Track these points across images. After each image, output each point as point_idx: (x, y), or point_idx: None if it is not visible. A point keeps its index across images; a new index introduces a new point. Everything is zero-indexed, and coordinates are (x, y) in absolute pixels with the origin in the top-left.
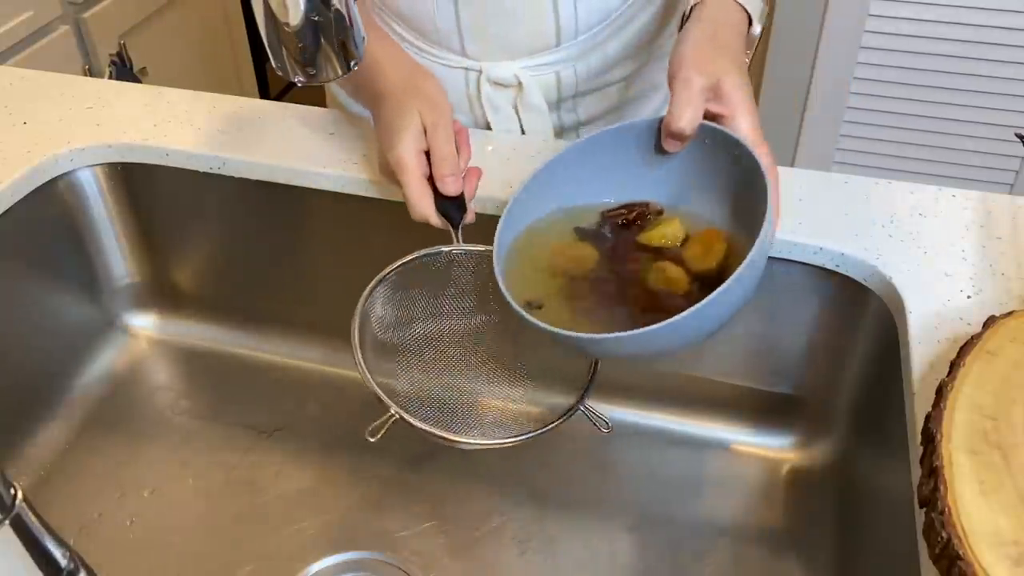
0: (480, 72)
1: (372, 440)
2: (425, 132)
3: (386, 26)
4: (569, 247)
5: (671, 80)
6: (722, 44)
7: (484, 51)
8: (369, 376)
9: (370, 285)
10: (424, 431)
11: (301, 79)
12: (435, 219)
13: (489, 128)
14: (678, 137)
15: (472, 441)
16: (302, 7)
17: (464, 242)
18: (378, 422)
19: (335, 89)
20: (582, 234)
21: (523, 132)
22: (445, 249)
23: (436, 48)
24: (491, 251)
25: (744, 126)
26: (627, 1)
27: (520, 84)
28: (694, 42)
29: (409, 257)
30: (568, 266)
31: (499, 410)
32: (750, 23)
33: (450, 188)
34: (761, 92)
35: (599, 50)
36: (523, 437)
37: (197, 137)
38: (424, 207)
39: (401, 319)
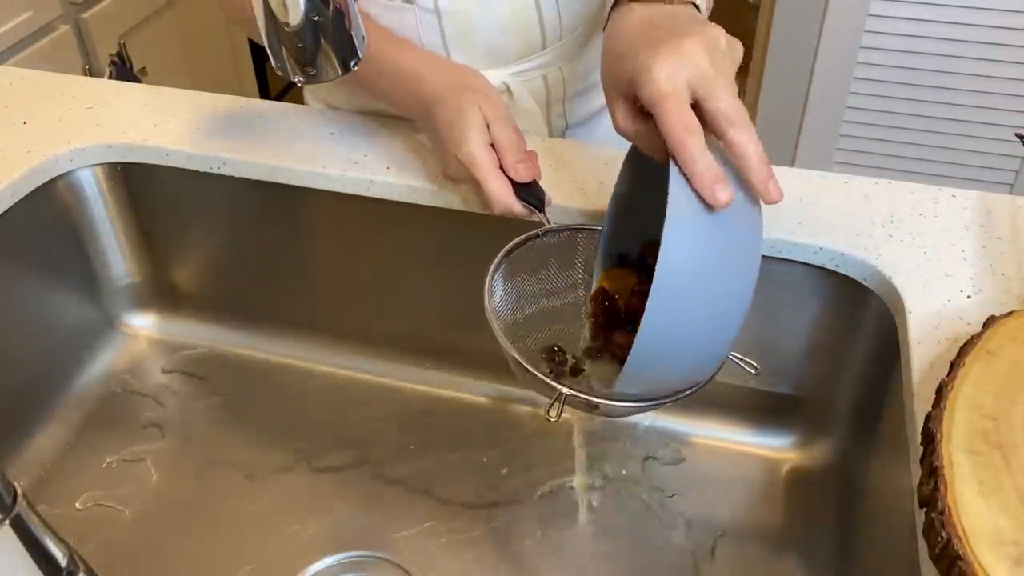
0: None
1: (552, 420)
2: (488, 126)
3: (377, 30)
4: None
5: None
6: (665, 27)
7: (470, 60)
8: (525, 364)
9: (488, 278)
10: (587, 399)
11: (301, 79)
12: (519, 207)
13: None
14: None
15: (632, 404)
16: (302, 7)
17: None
18: (550, 405)
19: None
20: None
21: None
22: (549, 228)
23: None
24: (585, 226)
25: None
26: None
27: (509, 91)
28: (637, 35)
29: (516, 241)
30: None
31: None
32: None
33: (523, 175)
34: (761, 92)
35: (584, 51)
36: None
37: (197, 137)
38: (507, 197)
39: (520, 301)
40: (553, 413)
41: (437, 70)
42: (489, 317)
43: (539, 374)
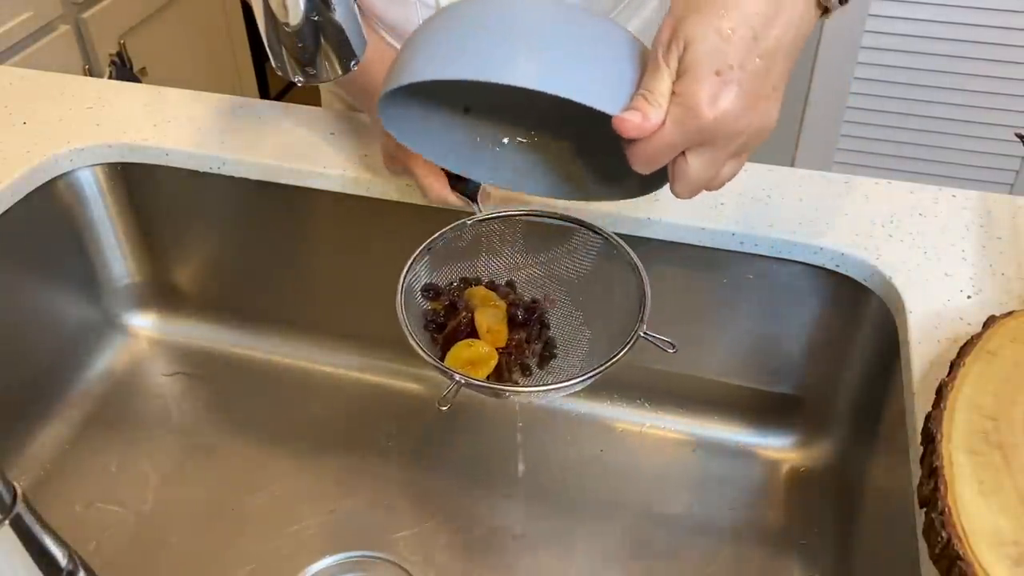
0: None
1: (444, 409)
2: None
3: (376, 35)
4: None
5: None
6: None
7: None
8: (423, 351)
9: (405, 267)
10: (487, 387)
11: (300, 79)
12: (452, 197)
13: None
14: None
15: (536, 388)
16: (302, 7)
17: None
18: (447, 392)
19: (334, 88)
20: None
21: None
22: (469, 222)
23: None
24: (517, 213)
25: (683, 107)
26: (617, 7)
27: None
28: None
29: (439, 233)
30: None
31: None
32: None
33: None
34: None
35: None
36: (587, 376)
37: (197, 137)
38: (438, 188)
39: (443, 290)
40: (447, 399)
41: (383, 61)
42: (398, 308)
43: (429, 357)
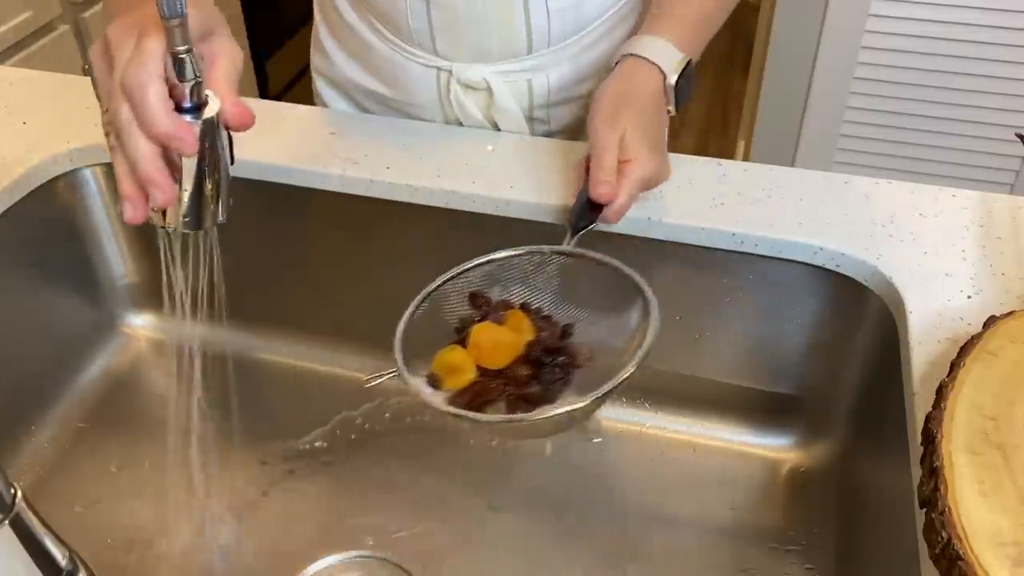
0: (451, 73)
1: (367, 386)
2: None
3: (363, 20)
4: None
5: (589, 126)
6: (630, 101)
7: (456, 52)
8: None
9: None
10: (444, 409)
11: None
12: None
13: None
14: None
15: (493, 418)
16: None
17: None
18: (380, 374)
19: (329, 102)
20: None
21: None
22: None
23: (410, 45)
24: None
25: (635, 174)
26: (603, 16)
27: (490, 88)
28: (608, 97)
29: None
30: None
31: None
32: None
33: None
34: (761, 92)
35: (573, 61)
36: (569, 408)
37: None
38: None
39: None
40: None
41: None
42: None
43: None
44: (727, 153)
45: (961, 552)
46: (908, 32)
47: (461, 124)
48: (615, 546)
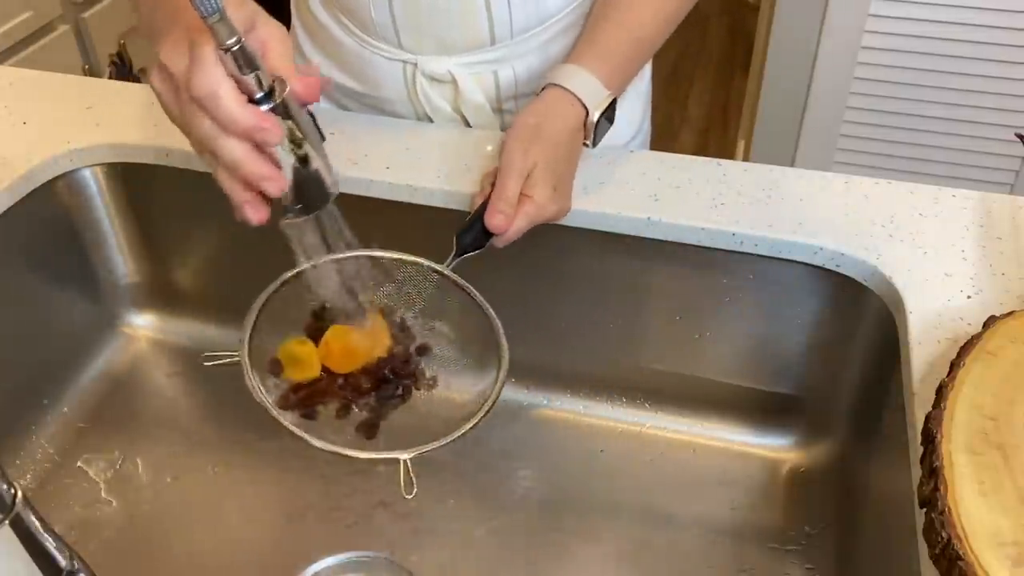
0: (416, 66)
1: (207, 364)
2: None
3: (333, 18)
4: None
5: (502, 148)
6: (545, 133)
7: (419, 45)
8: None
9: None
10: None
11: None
12: None
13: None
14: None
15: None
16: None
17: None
18: (222, 354)
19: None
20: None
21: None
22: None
23: (375, 39)
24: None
25: (531, 211)
26: (565, 8)
27: (455, 81)
28: (524, 126)
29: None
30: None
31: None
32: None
33: None
34: (761, 92)
35: (540, 52)
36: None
37: None
38: None
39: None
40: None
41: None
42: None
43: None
44: (727, 153)
45: (961, 552)
46: (908, 32)
47: (431, 119)
48: (615, 546)
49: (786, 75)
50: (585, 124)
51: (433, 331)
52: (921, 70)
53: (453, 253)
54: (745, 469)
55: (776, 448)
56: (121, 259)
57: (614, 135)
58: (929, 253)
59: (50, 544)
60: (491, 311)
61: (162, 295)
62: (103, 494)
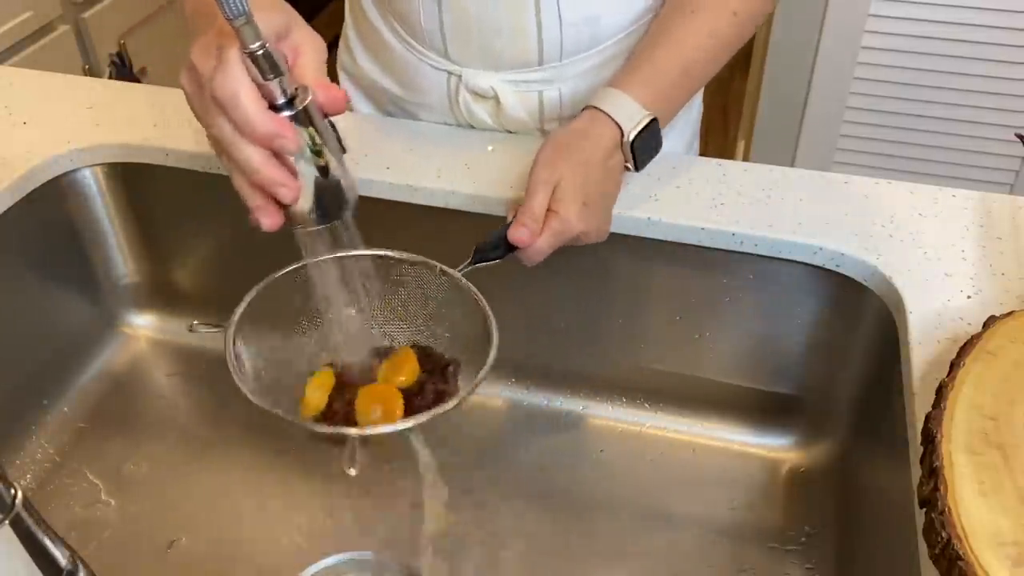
0: (460, 78)
1: (191, 331)
2: None
3: (384, 21)
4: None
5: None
6: (574, 151)
7: (466, 57)
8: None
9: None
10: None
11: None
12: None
13: None
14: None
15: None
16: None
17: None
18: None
19: (352, 100)
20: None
21: None
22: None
23: (423, 47)
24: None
25: (555, 226)
26: (617, 35)
27: (497, 98)
28: (554, 143)
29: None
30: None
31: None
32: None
33: None
34: (761, 92)
35: (587, 77)
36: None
37: (197, 137)
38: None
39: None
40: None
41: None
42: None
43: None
44: (727, 153)
45: (961, 552)
46: (908, 32)
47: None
48: (615, 545)
49: (786, 75)
50: (622, 146)
51: (439, 336)
52: (921, 70)
53: (469, 260)
54: (745, 469)
55: (776, 448)
56: (121, 259)
57: None
58: (929, 253)
59: (50, 544)
60: (489, 312)
61: (162, 295)
62: (103, 494)
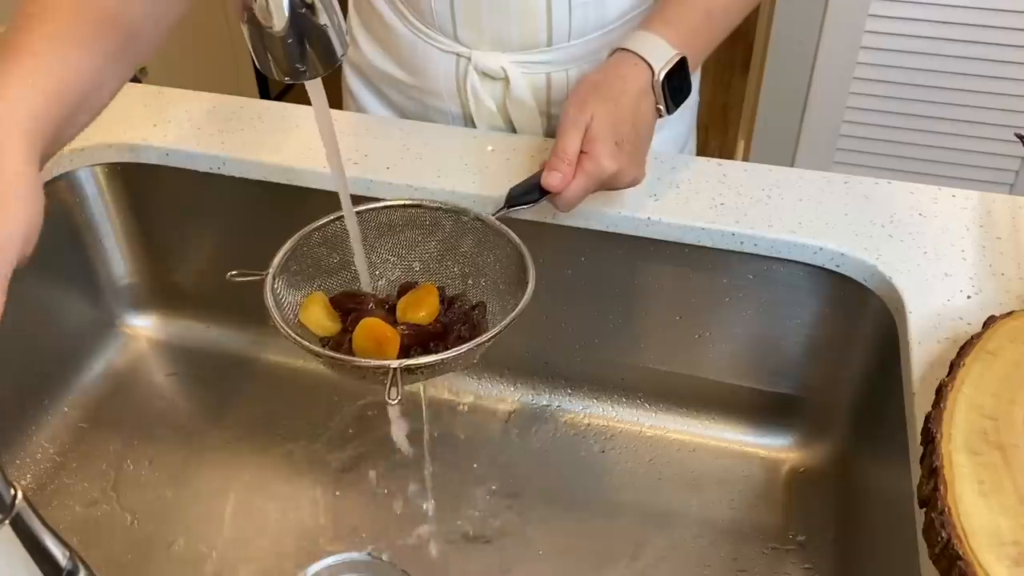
0: (469, 60)
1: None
2: None
3: (389, 5)
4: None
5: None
6: (604, 90)
7: (476, 39)
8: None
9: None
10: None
11: (288, 79)
12: None
13: (473, 123)
14: (562, 170)
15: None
16: (285, 11)
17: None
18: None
19: (354, 89)
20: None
21: (514, 131)
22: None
23: (431, 30)
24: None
25: (590, 168)
26: (626, 16)
27: (507, 78)
28: (584, 84)
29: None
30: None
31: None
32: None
33: None
34: (761, 92)
35: (594, 57)
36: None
37: (197, 137)
38: None
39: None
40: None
41: None
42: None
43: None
44: (727, 153)
45: (961, 552)
46: (908, 32)
47: (473, 118)
48: (615, 545)
49: (786, 75)
50: (653, 86)
51: (474, 285)
52: (921, 70)
53: (504, 204)
54: (745, 469)
55: (776, 448)
56: (121, 259)
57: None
58: (929, 253)
59: (50, 544)
60: (524, 248)
61: (162, 295)
62: (103, 494)
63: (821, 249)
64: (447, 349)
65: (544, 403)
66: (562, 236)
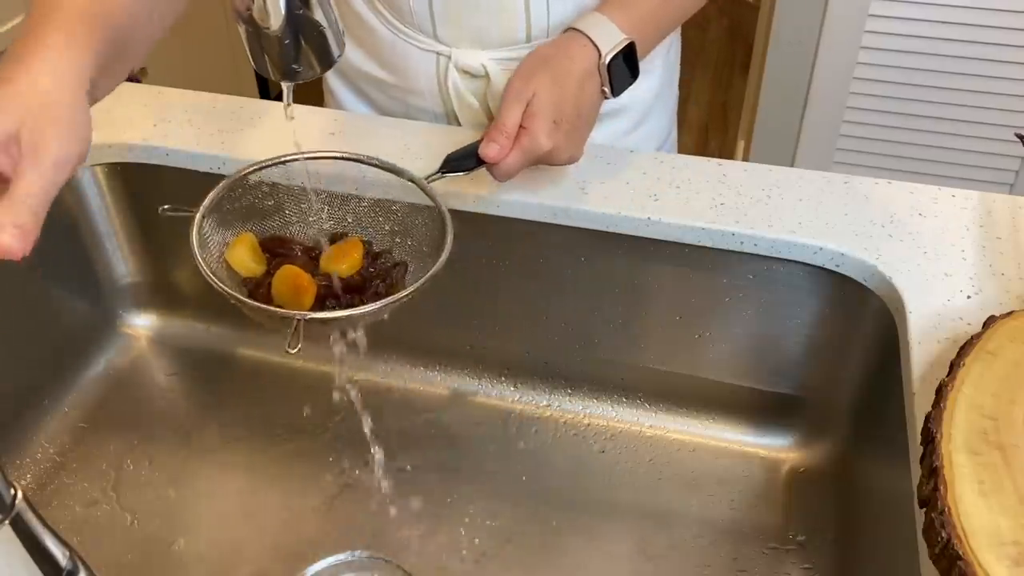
0: (449, 58)
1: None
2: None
3: (368, 5)
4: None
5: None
6: (552, 67)
7: (455, 37)
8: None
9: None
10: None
11: (285, 80)
12: None
13: (457, 121)
14: (499, 141)
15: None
16: (282, 11)
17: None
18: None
19: (335, 89)
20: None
21: None
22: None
23: (411, 29)
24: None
25: (526, 143)
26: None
27: (488, 75)
28: (534, 57)
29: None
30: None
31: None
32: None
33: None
34: (761, 92)
35: None
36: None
37: (197, 137)
38: None
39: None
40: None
41: None
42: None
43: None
44: (727, 153)
45: (961, 552)
46: (908, 32)
47: (456, 115)
48: (615, 546)
49: (786, 75)
50: (599, 68)
51: (401, 244)
52: (921, 70)
53: (440, 168)
54: (745, 469)
55: (776, 448)
56: (121, 259)
57: (598, 136)
58: (929, 253)
59: (50, 544)
60: (447, 213)
61: (162, 295)
62: (103, 494)
63: (821, 249)
64: (363, 303)
65: (544, 403)
66: (562, 235)
